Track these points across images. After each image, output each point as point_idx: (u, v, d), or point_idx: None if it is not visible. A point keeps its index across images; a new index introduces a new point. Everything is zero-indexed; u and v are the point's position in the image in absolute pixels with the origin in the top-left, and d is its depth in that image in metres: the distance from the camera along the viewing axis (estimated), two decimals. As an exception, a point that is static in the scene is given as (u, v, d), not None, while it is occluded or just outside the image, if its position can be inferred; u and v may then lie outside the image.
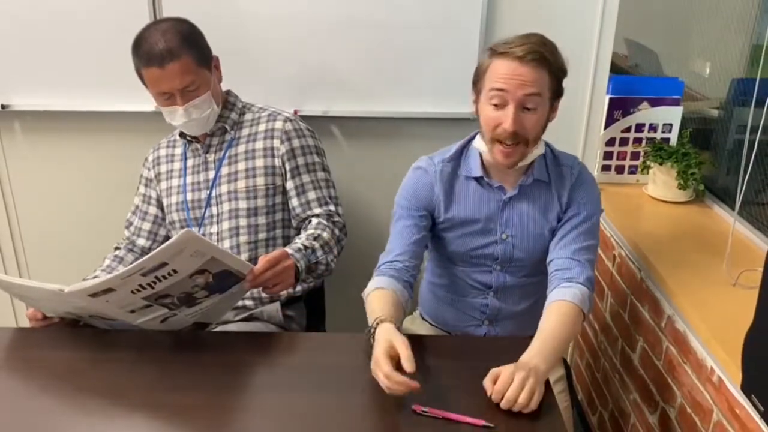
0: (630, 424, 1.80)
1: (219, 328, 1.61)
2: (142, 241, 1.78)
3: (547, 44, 1.36)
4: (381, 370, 1.14)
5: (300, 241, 1.58)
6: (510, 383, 1.16)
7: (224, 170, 1.69)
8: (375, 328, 1.25)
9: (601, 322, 2.06)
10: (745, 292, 1.49)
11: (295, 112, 2.00)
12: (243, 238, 1.68)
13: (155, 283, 1.29)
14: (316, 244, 1.59)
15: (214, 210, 1.70)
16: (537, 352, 1.26)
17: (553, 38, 1.38)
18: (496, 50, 1.36)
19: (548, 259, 1.47)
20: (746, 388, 1.09)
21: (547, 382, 1.25)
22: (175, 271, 1.27)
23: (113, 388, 1.25)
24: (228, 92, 1.74)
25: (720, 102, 2.09)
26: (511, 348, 1.29)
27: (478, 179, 1.49)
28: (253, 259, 1.66)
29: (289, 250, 1.52)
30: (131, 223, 1.80)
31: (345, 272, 1.85)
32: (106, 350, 1.38)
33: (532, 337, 1.60)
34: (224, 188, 1.69)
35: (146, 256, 1.22)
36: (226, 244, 1.67)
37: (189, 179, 1.72)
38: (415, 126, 2.08)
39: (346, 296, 2.03)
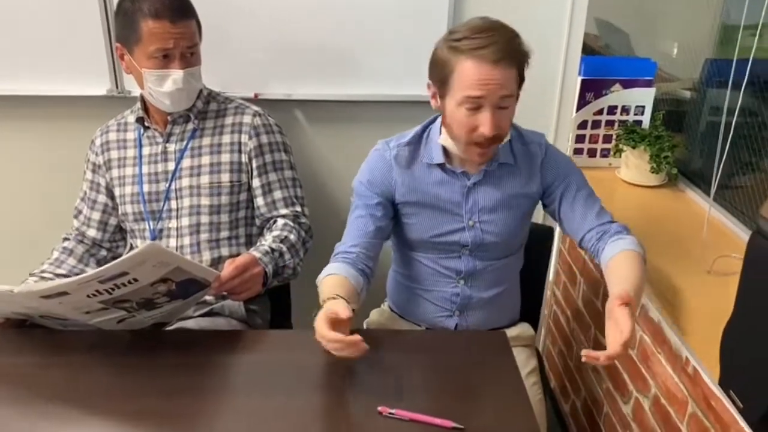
0: (603, 413, 1.77)
1: (178, 324, 1.53)
2: (92, 232, 1.68)
3: (514, 38, 1.29)
4: (318, 333, 1.12)
5: (267, 243, 1.51)
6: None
7: (186, 162, 1.60)
8: (322, 305, 1.20)
9: (573, 308, 2.03)
10: (720, 279, 1.46)
11: (256, 96, 1.92)
12: (204, 236, 1.60)
13: (113, 289, 1.21)
14: (284, 247, 1.52)
15: (174, 204, 1.61)
16: (635, 294, 1.22)
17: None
18: (460, 48, 1.27)
19: (578, 239, 1.44)
20: (724, 383, 1.06)
21: (517, 371, 1.23)
22: (135, 280, 1.20)
23: (64, 394, 1.17)
24: None
25: (693, 83, 2.06)
26: (482, 342, 1.25)
27: (440, 165, 1.44)
28: (215, 260, 1.59)
29: (256, 253, 1.44)
30: (80, 212, 1.70)
31: (311, 261, 1.78)
32: (56, 353, 1.30)
33: (501, 329, 1.59)
34: (185, 182, 1.60)
35: (105, 266, 1.15)
36: (186, 240, 1.59)
37: (145, 169, 1.63)
38: (382, 109, 2.01)
39: (312, 288, 1.97)
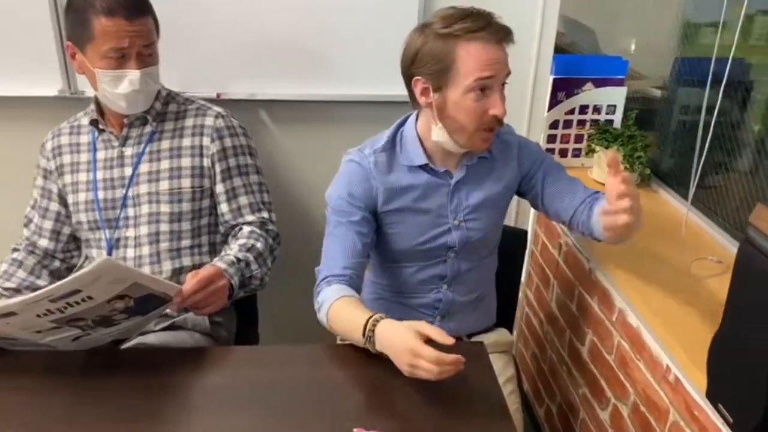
0: (579, 419, 1.74)
1: (138, 340, 1.44)
2: (44, 242, 1.58)
3: (498, 17, 1.27)
4: (428, 356, 1.05)
5: (233, 252, 1.43)
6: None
7: (144, 167, 1.51)
8: (373, 329, 1.15)
9: (546, 311, 2.00)
10: (700, 283, 1.44)
11: (218, 96, 1.83)
12: (164, 245, 1.51)
13: (66, 308, 1.12)
14: (250, 257, 1.44)
15: (131, 212, 1.51)
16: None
17: (498, 12, 1.27)
18: (456, 34, 1.22)
19: (569, 216, 1.40)
20: (712, 396, 1.03)
21: (498, 384, 1.19)
22: (90, 298, 1.11)
23: (15, 423, 1.08)
24: None
25: (663, 81, 2.04)
26: (461, 354, 1.19)
27: (422, 167, 1.38)
28: (177, 270, 1.51)
29: (221, 264, 1.36)
30: (30, 220, 1.59)
31: (279, 269, 1.71)
32: (4, 376, 1.20)
33: (479, 333, 1.57)
34: (144, 188, 1.50)
35: (56, 284, 1.06)
36: (145, 250, 1.50)
37: (100, 175, 1.53)
38: (351, 110, 1.94)
39: (279, 296, 1.90)
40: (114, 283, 1.12)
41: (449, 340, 1.06)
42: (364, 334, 1.16)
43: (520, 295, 2.23)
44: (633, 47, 2.20)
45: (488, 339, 1.54)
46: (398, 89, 1.87)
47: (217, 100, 1.81)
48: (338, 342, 1.47)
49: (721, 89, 1.54)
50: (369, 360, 1.21)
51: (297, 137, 1.97)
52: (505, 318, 1.67)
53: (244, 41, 1.82)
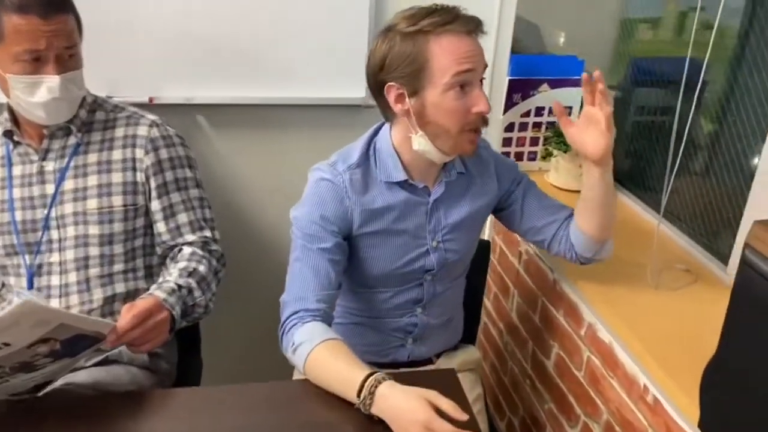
0: (546, 435, 1.68)
1: (66, 379, 1.27)
2: (-47, 273, 1.39)
3: (464, 10, 1.18)
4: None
5: (172, 278, 1.28)
6: None
7: (68, 185, 1.34)
8: (373, 391, 1.02)
9: (506, 321, 1.93)
10: (670, 295, 1.38)
11: (151, 100, 1.67)
12: (94, 271, 1.34)
13: None
14: (193, 282, 1.29)
15: (55, 234, 1.34)
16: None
17: None
18: (425, 30, 1.13)
19: (549, 236, 1.36)
20: (705, 427, 0.96)
21: (472, 413, 1.09)
22: (6, 344, 0.95)
23: None
24: None
25: (618, 81, 2.00)
26: (432, 381, 1.10)
27: (400, 183, 1.26)
28: (109, 298, 1.35)
29: (160, 293, 1.22)
30: None
31: (223, 291, 1.57)
32: None
33: (448, 351, 1.49)
34: (69, 208, 1.33)
35: None
36: (72, 277, 1.33)
37: (17, 193, 1.35)
38: (298, 114, 1.81)
39: (224, 318, 1.76)
40: (37, 326, 0.96)
41: (463, 416, 0.97)
42: (359, 394, 1.03)
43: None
44: (562, 41, 2.16)
45: (456, 358, 1.47)
46: (347, 91, 1.78)
47: (150, 105, 1.65)
48: (296, 377, 1.35)
49: (681, 90, 1.50)
50: (329, 397, 1.09)
51: (240, 144, 1.82)
52: (469, 332, 1.60)
53: (178, 41, 1.66)
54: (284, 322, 1.20)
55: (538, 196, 1.38)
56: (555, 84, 1.91)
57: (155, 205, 1.37)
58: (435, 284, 1.35)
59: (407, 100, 1.16)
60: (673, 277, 1.45)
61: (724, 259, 1.45)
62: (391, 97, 1.18)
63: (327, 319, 1.20)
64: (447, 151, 1.21)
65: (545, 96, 1.91)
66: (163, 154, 1.38)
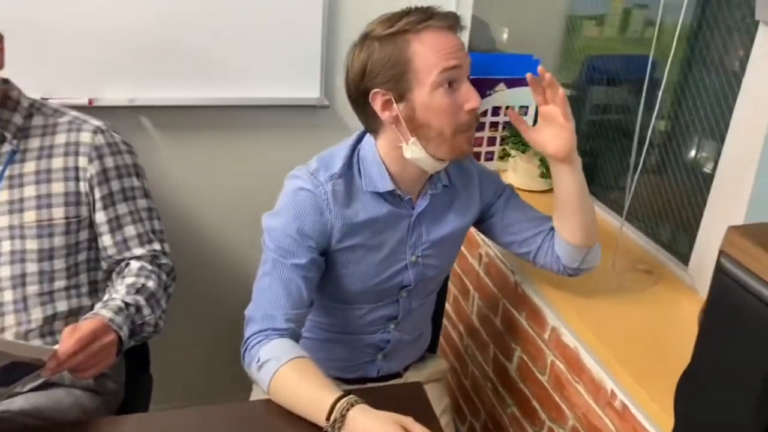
0: (510, 440, 1.66)
1: (1, 407, 1.17)
2: None
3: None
4: None
5: (119, 296, 1.19)
6: None
7: (2, 196, 1.23)
8: (344, 414, 0.96)
9: (467, 324, 1.90)
10: (634, 297, 1.38)
11: (90, 102, 1.57)
12: (32, 289, 1.24)
13: None
14: (141, 300, 1.21)
15: None
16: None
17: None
18: (404, 29, 1.08)
19: (534, 248, 1.33)
20: (679, 437, 0.94)
21: (435, 417, 1.07)
22: None
23: None
24: (6, 83, 1.27)
25: (573, 79, 2.00)
26: (400, 397, 1.06)
27: (385, 194, 1.20)
28: (49, 318, 1.25)
29: (106, 313, 1.13)
30: None
31: (174, 302, 1.49)
32: None
33: (416, 362, 1.46)
34: (4, 221, 1.23)
35: None
36: (8, 296, 1.23)
37: (-56, 204, 1.24)
38: (250, 115, 1.74)
39: (174, 332, 1.67)
40: None
41: None
42: (329, 417, 0.97)
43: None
44: (505, 37, 2.16)
45: (424, 370, 1.44)
46: (301, 92, 1.72)
47: (89, 108, 1.54)
48: (255, 394, 1.29)
49: (645, 87, 1.50)
50: (292, 418, 1.04)
51: (190, 148, 1.74)
52: (433, 339, 1.56)
53: (120, 39, 1.57)
54: (248, 338, 1.13)
55: (520, 208, 1.35)
56: (511, 83, 1.88)
57: (100, 216, 1.28)
58: (410, 300, 1.30)
59: (395, 105, 1.10)
60: (635, 278, 1.44)
61: (685, 258, 1.46)
62: (377, 105, 1.11)
63: (295, 337, 1.14)
64: (442, 156, 1.15)
65: (502, 95, 1.89)
66: (109, 162, 1.29)
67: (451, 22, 1.10)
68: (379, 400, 1.13)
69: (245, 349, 1.13)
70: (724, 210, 1.31)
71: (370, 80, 1.10)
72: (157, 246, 1.32)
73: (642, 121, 1.58)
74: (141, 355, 1.54)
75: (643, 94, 1.57)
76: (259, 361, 1.08)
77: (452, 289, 2.00)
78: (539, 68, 1.13)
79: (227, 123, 1.73)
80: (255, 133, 1.75)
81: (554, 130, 1.16)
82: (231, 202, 1.78)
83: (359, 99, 1.13)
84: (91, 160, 1.27)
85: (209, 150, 1.75)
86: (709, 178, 1.37)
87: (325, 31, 1.65)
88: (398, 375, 1.41)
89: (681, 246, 1.49)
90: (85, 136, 1.28)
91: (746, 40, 1.30)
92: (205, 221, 1.81)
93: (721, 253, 0.85)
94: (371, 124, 1.16)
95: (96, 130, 1.29)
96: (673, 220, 1.54)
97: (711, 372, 0.87)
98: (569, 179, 1.21)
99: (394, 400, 1.13)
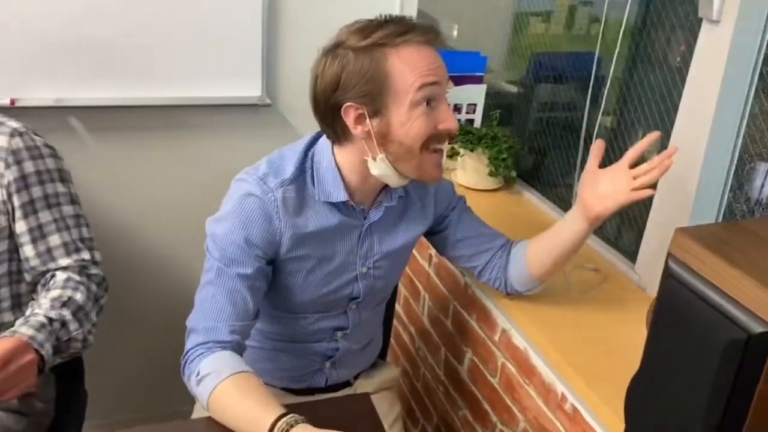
0: (462, 443, 1.63)
1: None
2: None
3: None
4: None
5: (42, 311, 1.11)
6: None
7: None
8: None
9: (418, 326, 1.87)
10: (582, 297, 1.36)
11: (12, 103, 1.47)
12: None
13: None
14: (67, 314, 1.13)
15: None
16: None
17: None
18: (381, 43, 1.02)
19: (481, 264, 1.30)
20: (630, 442, 0.93)
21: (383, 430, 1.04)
22: None
23: None
24: None
25: (520, 78, 1.99)
26: (346, 411, 1.02)
27: (339, 203, 1.14)
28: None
29: (27, 330, 1.05)
30: None
31: (108, 313, 1.41)
32: None
33: (367, 370, 1.41)
34: None
35: None
36: None
37: None
38: (189, 115, 1.67)
39: (111, 343, 1.59)
40: None
41: None
42: None
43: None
44: (455, 34, 2.14)
45: (375, 378, 1.40)
46: (242, 90, 1.66)
47: (12, 108, 1.45)
48: (198, 410, 1.22)
49: (590, 84, 1.50)
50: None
51: (123, 151, 1.65)
52: (384, 344, 1.53)
53: (46, 35, 1.48)
54: (189, 350, 1.07)
55: (472, 223, 1.32)
56: (459, 81, 1.85)
57: (20, 226, 1.19)
58: (360, 312, 1.26)
59: (368, 120, 1.04)
60: (583, 277, 1.43)
61: (632, 256, 1.45)
62: (349, 119, 1.05)
63: (239, 350, 1.08)
64: (409, 174, 1.10)
65: (449, 93, 1.85)
66: (29, 167, 1.20)
67: (431, 36, 1.05)
68: (327, 414, 1.09)
69: (185, 362, 1.07)
70: (670, 207, 1.31)
71: (344, 93, 1.04)
72: (85, 255, 1.24)
73: (589, 118, 1.57)
74: (74, 369, 1.46)
75: (589, 91, 1.57)
76: (198, 375, 1.03)
77: (403, 290, 1.97)
78: (671, 150, 1.09)
79: (164, 124, 1.65)
80: (194, 133, 1.68)
81: (613, 193, 1.11)
82: (170, 205, 1.70)
83: (329, 111, 1.07)
84: (8, 166, 1.18)
85: (146, 152, 1.66)
86: (655, 175, 1.36)
87: (265, 27, 1.58)
88: (348, 384, 1.37)
89: (628, 244, 1.49)
90: (1, 140, 1.19)
91: (690, 37, 1.29)
92: (143, 226, 1.73)
93: (669, 255, 0.83)
94: (338, 135, 1.10)
95: (13, 133, 1.20)
96: (619, 218, 1.53)
97: (661, 376, 0.86)
98: (582, 235, 1.18)
99: (343, 413, 1.10)
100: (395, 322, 2.04)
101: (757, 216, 1.21)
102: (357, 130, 1.06)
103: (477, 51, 1.92)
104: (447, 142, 1.11)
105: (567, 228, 1.20)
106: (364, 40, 1.02)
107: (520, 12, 1.98)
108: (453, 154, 1.87)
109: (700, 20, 1.21)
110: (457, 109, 1.89)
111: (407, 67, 1.02)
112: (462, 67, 1.86)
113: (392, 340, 2.08)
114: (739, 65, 1.15)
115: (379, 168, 1.08)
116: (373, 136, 1.05)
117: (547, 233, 1.25)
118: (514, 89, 2.04)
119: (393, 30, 1.02)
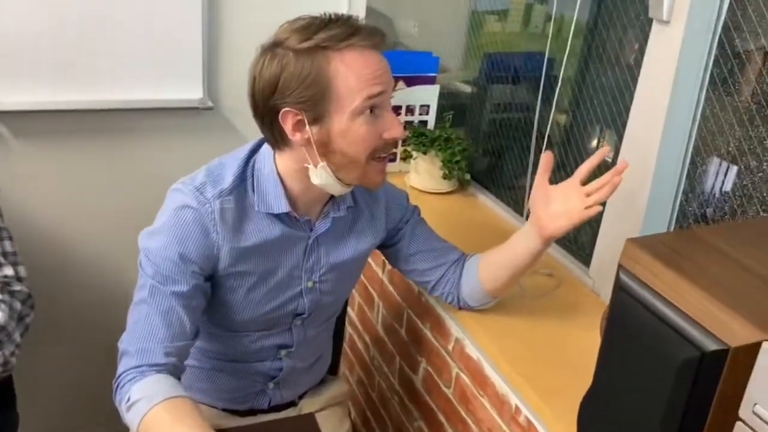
0: (417, 455, 1.59)
1: None
2: None
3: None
4: None
5: None
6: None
7: None
8: None
9: (372, 334, 1.81)
10: (537, 304, 1.33)
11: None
12: None
13: None
14: None
15: None
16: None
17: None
18: (324, 45, 0.96)
19: (435, 279, 1.25)
20: (583, 460, 0.89)
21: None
22: None
23: None
24: None
25: (473, 78, 1.95)
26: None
27: (281, 215, 1.08)
28: None
29: None
30: None
31: (38, 332, 1.33)
32: None
33: (315, 387, 1.35)
34: None
35: None
36: None
37: None
38: (126, 119, 1.59)
39: (43, 364, 1.51)
40: None
41: None
42: None
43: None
44: (416, 32, 2.11)
45: (322, 395, 1.35)
46: (181, 93, 1.58)
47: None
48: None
49: (542, 84, 1.46)
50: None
51: (53, 157, 1.56)
52: (335, 358, 1.48)
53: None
54: (121, 374, 1.00)
55: (426, 236, 1.27)
56: (411, 81, 1.81)
57: None
58: (305, 329, 1.20)
59: (308, 127, 0.99)
60: (537, 282, 1.40)
61: (586, 260, 1.43)
62: (287, 125, 0.99)
63: (175, 372, 1.01)
64: (351, 182, 1.05)
65: (402, 94, 1.81)
66: None
67: (377, 40, 0.99)
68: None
69: (117, 387, 1.01)
70: (623, 208, 1.29)
71: (282, 97, 0.98)
72: (8, 271, 1.15)
73: (541, 118, 1.54)
74: (3, 392, 1.37)
75: (540, 92, 1.54)
76: (129, 401, 0.96)
77: (357, 297, 1.91)
78: (621, 165, 1.05)
79: (98, 128, 1.56)
80: (131, 139, 1.59)
81: (566, 212, 1.07)
82: (104, 216, 1.62)
83: (267, 115, 1.01)
84: None
85: (78, 159, 1.57)
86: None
87: (205, 26, 1.51)
88: (293, 404, 1.31)
89: (582, 248, 1.47)
90: None
91: (641, 36, 1.27)
92: (74, 239, 1.63)
93: (619, 267, 0.80)
94: (277, 140, 1.04)
95: None
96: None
97: (613, 393, 0.82)
98: (537, 252, 1.14)
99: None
100: (350, 329, 1.99)
101: (710, 211, 1.19)
102: (296, 137, 1.00)
103: (430, 51, 1.88)
104: (393, 150, 1.07)
105: (521, 245, 1.16)
106: (305, 41, 0.96)
107: (476, 11, 1.94)
108: (406, 157, 1.82)
109: (651, 20, 1.18)
110: (410, 110, 1.84)
111: (351, 74, 0.96)
112: (415, 68, 1.82)
113: (347, 349, 2.03)
114: (690, 66, 1.13)
115: (320, 177, 1.03)
116: (313, 144, 1.00)
117: (501, 248, 1.21)
118: (468, 89, 2.00)
119: (337, 32, 0.96)
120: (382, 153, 1.03)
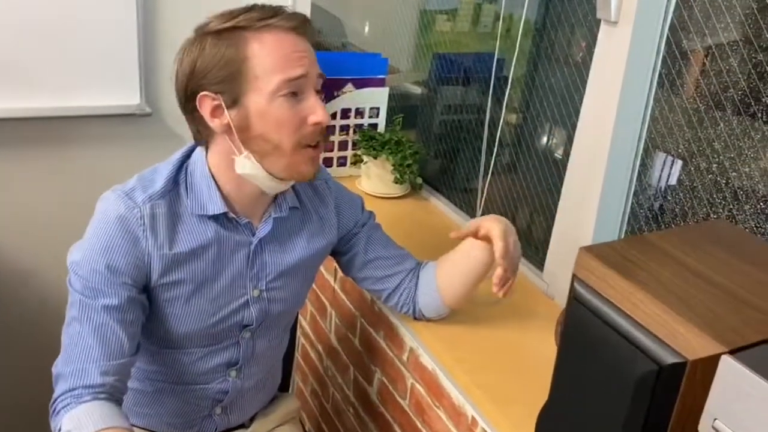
0: (374, 467, 1.55)
1: None
2: None
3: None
4: None
5: None
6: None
7: None
8: None
9: (325, 344, 1.76)
10: (489, 311, 1.30)
11: None
12: None
13: None
14: None
15: None
16: None
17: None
18: (241, 26, 0.94)
19: (390, 288, 1.21)
20: (541, 476, 0.86)
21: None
22: None
23: None
24: None
25: (422, 79, 1.92)
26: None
27: (217, 217, 1.02)
28: None
29: None
30: None
31: None
32: None
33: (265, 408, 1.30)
34: None
35: None
36: None
37: None
38: (58, 127, 1.51)
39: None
40: None
41: None
42: None
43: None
44: (367, 32, 2.08)
45: (274, 414, 1.29)
46: (117, 99, 1.51)
47: None
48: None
49: (491, 85, 1.43)
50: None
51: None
52: (285, 373, 1.41)
53: None
54: (56, 399, 0.93)
55: (382, 243, 1.23)
56: (360, 84, 1.77)
57: None
58: (254, 342, 1.14)
59: (226, 111, 0.95)
60: (490, 287, 1.36)
61: (539, 263, 1.41)
62: (205, 110, 0.96)
63: (116, 393, 0.95)
64: (279, 174, 1.00)
65: (351, 97, 1.77)
66: None
67: (297, 23, 0.96)
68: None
69: (52, 412, 0.94)
70: (574, 211, 1.27)
71: (199, 81, 0.95)
72: None
73: (491, 119, 1.52)
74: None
75: (491, 92, 1.52)
76: (60, 430, 0.89)
77: (309, 306, 1.86)
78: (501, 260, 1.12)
79: (30, 137, 1.48)
80: (67, 149, 1.51)
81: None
82: (39, 228, 1.53)
83: (187, 103, 0.98)
84: None
85: (12, 169, 1.48)
86: (560, 179, 1.32)
87: (141, 29, 1.44)
88: (243, 426, 1.25)
89: (535, 250, 1.45)
90: None
91: (589, 36, 1.26)
92: (8, 252, 1.54)
93: (573, 277, 0.77)
94: (201, 132, 1.00)
95: None
96: (525, 224, 1.49)
97: (570, 407, 0.80)
98: (490, 261, 1.15)
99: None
100: (302, 339, 1.93)
101: (660, 210, 1.19)
102: (214, 123, 0.96)
103: (380, 52, 1.84)
104: (322, 140, 1.02)
105: (475, 259, 1.16)
106: (225, 22, 0.94)
107: (426, 10, 1.91)
108: (356, 161, 1.78)
109: (599, 20, 1.17)
110: (359, 113, 1.80)
111: (267, 54, 0.94)
112: (363, 70, 1.78)
113: (299, 359, 1.97)
114: (638, 66, 1.12)
115: (245, 166, 0.98)
116: (233, 129, 0.96)
117: (456, 256, 1.19)
118: (419, 91, 1.97)
119: (256, 14, 0.95)
120: (310, 141, 0.99)
